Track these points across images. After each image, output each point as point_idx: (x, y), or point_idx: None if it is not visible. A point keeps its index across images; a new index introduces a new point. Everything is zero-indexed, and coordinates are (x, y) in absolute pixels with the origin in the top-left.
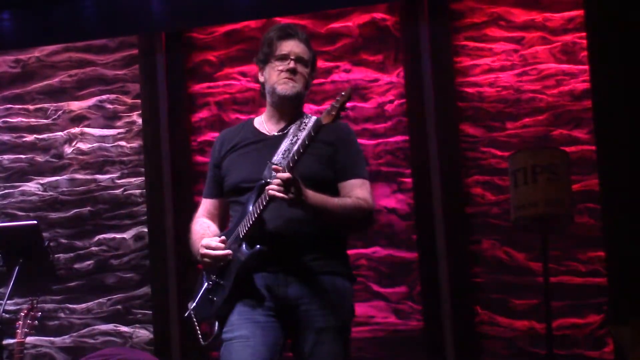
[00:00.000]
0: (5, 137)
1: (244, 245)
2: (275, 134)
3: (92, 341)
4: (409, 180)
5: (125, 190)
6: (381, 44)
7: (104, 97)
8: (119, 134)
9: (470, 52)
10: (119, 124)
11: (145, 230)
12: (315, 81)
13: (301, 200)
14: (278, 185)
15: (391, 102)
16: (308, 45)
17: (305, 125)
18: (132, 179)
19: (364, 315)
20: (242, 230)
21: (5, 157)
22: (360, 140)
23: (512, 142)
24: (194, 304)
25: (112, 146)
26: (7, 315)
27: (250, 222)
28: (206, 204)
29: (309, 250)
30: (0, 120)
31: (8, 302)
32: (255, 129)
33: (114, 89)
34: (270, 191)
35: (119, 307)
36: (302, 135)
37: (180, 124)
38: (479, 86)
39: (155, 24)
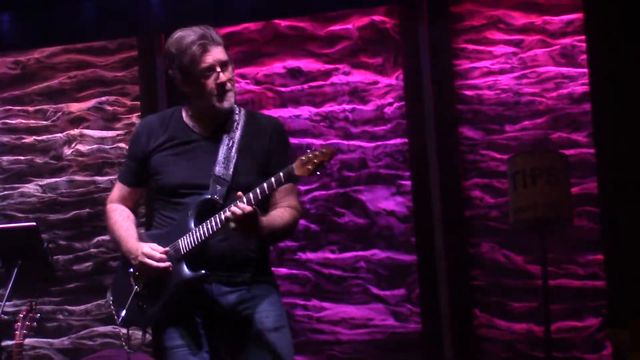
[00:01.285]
0: (5, 138)
1: (184, 265)
2: (208, 135)
3: (90, 343)
4: (408, 182)
5: None
6: (380, 47)
7: (103, 98)
8: (118, 135)
9: (470, 55)
10: (118, 125)
11: (143, 231)
12: (315, 83)
13: (256, 233)
14: (239, 218)
15: (390, 104)
16: (219, 39)
17: (237, 124)
18: None
19: (363, 318)
20: (183, 246)
21: (5, 158)
22: (359, 143)
23: (511, 145)
24: (125, 310)
25: (111, 148)
26: (5, 317)
27: (195, 243)
28: (122, 190)
29: (246, 268)
30: (0, 121)
31: (7, 303)
32: (186, 126)
33: (113, 90)
34: (231, 224)
35: None
36: (236, 137)
37: None
38: (478, 89)
39: (154, 25)
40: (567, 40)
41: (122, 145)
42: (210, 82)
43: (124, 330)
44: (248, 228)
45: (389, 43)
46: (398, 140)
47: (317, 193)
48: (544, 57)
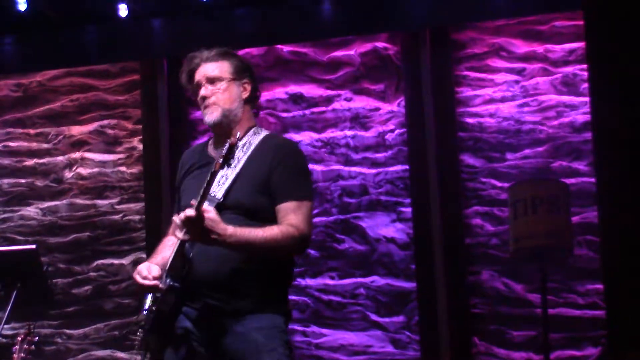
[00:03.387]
0: (6, 161)
1: (167, 278)
2: (221, 157)
3: None
4: (408, 209)
5: (124, 215)
6: (382, 73)
7: (104, 122)
8: (119, 159)
9: (472, 83)
10: (119, 149)
11: (144, 256)
12: (317, 109)
13: (212, 240)
14: (181, 224)
15: (392, 131)
16: (218, 58)
17: (250, 145)
18: (132, 205)
19: (361, 345)
20: (169, 262)
21: (5, 181)
22: (360, 169)
23: (512, 173)
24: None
25: (112, 171)
26: (4, 340)
27: (172, 257)
28: (173, 223)
29: (242, 295)
30: (1, 144)
31: (5, 326)
32: (206, 152)
33: (115, 114)
34: (175, 232)
35: (116, 332)
36: (244, 157)
37: (181, 150)
38: (479, 116)
39: (156, 50)
40: (568, 69)
41: (123, 168)
42: (199, 101)
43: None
44: (195, 233)
45: (391, 70)
46: (399, 167)
47: (317, 219)
48: (546, 86)
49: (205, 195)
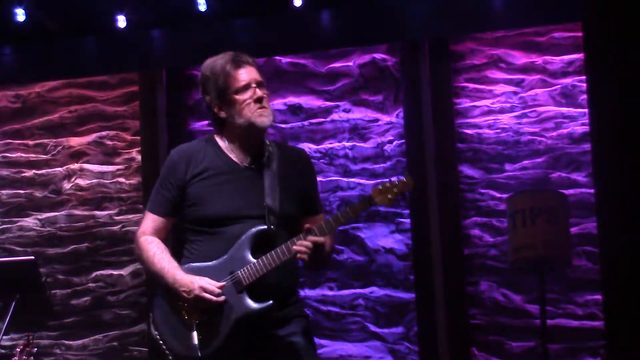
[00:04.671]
0: (4, 172)
1: (246, 296)
2: (247, 165)
3: None
4: (407, 220)
5: (123, 226)
6: (381, 84)
7: (103, 133)
8: (118, 170)
9: (470, 94)
10: (118, 160)
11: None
12: (315, 120)
13: (323, 263)
14: (309, 248)
15: (390, 142)
16: (258, 67)
17: (272, 154)
18: (130, 216)
19: (360, 356)
20: (244, 277)
21: (4, 192)
22: (358, 180)
23: (511, 184)
24: (199, 349)
25: (111, 182)
26: (2, 351)
27: (259, 274)
28: (156, 222)
29: (293, 295)
30: (0, 155)
31: (4, 337)
32: (224, 155)
33: (113, 125)
34: (299, 255)
35: (115, 343)
36: (275, 167)
37: None
38: (478, 128)
39: (155, 61)
40: (567, 80)
41: (122, 179)
42: (248, 99)
43: None
44: (317, 259)
45: (389, 81)
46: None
47: None
48: (544, 97)
49: (323, 228)
